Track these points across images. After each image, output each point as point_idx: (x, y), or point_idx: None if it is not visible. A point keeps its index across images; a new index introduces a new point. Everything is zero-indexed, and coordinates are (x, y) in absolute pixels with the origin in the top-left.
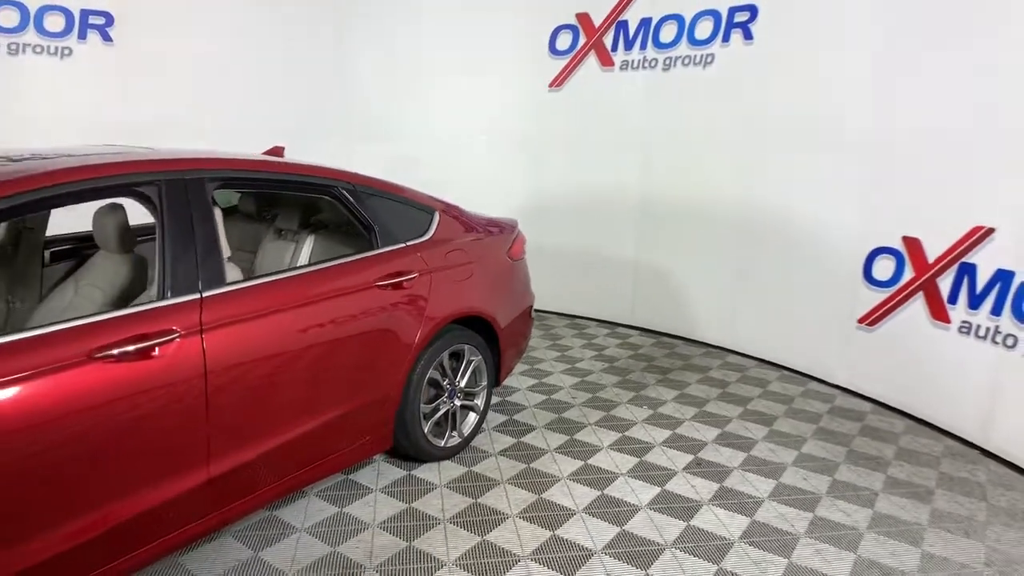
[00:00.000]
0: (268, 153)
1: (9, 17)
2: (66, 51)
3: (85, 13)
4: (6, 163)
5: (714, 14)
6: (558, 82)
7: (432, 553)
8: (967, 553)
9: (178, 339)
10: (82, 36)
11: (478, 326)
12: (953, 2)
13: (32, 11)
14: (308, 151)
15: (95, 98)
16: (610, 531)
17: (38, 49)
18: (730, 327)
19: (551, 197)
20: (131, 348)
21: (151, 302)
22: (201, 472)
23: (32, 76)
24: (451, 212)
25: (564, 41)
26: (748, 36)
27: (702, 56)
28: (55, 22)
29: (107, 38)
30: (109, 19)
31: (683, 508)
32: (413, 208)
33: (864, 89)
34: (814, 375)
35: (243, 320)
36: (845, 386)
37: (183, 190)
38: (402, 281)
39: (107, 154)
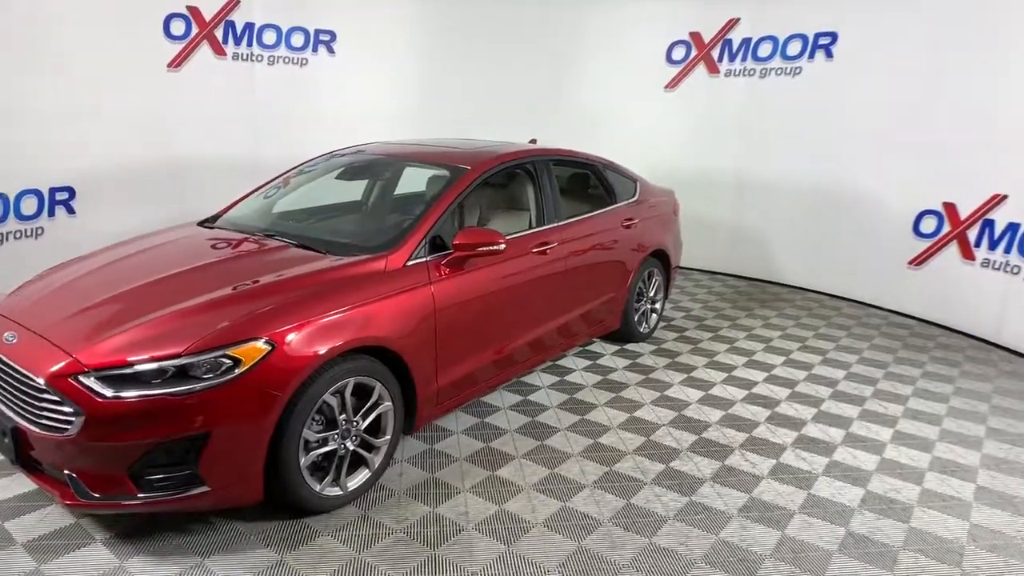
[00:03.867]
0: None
1: (270, 36)
2: (303, 61)
3: (317, 32)
4: (449, 148)
5: (803, 37)
6: (673, 84)
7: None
8: (983, 388)
9: (555, 246)
10: (315, 50)
11: (660, 258)
12: (982, 28)
13: (284, 31)
14: (480, 135)
15: (322, 97)
16: (760, 375)
17: (286, 60)
18: (807, 271)
19: (665, 172)
20: (541, 248)
21: (541, 226)
22: (555, 322)
23: (281, 81)
24: (643, 181)
25: (678, 53)
26: (829, 55)
27: (792, 68)
28: (298, 39)
29: (331, 51)
30: (333, 36)
31: (804, 364)
32: (627, 178)
33: (915, 96)
34: (873, 303)
35: (574, 239)
36: (896, 310)
37: (542, 167)
38: (631, 225)
39: (512, 145)
